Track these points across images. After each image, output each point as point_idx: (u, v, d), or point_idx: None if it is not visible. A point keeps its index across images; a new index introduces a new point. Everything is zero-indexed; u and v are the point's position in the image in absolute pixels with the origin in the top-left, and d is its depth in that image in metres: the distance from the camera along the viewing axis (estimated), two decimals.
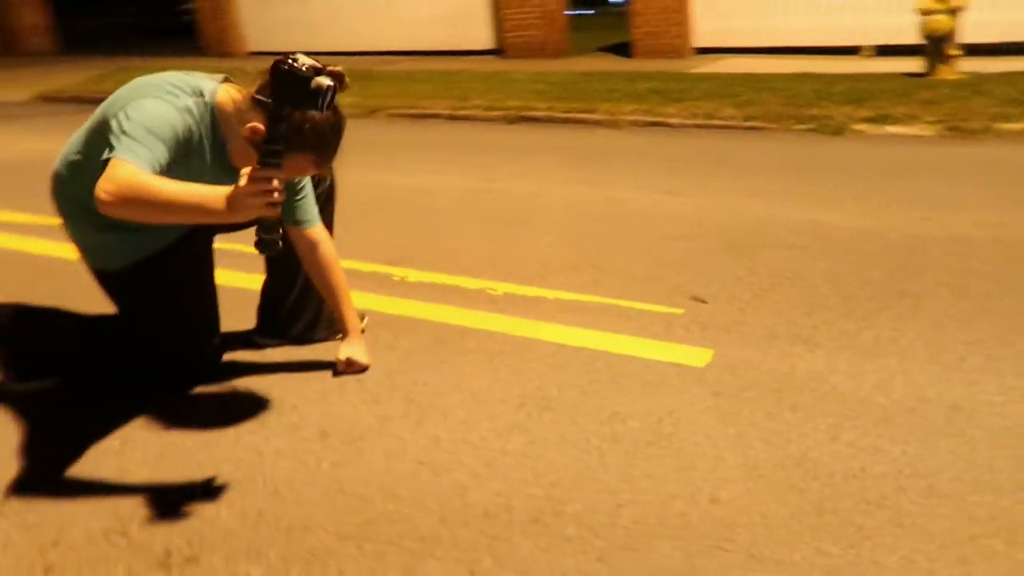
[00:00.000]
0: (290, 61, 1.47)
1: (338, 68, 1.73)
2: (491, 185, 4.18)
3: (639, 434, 1.76)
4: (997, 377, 1.92)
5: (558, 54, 10.09)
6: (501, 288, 2.65)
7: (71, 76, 10.08)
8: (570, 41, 10.48)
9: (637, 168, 4.46)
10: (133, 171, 1.53)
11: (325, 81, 1.50)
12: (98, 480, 1.65)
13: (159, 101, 1.67)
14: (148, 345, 1.99)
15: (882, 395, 1.87)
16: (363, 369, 2.08)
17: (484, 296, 2.59)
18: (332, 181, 2.23)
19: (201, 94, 1.75)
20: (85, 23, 16.69)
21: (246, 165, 1.77)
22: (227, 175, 1.82)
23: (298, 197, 2.01)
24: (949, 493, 1.50)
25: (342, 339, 2.11)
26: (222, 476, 1.64)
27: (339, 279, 2.09)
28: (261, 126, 1.66)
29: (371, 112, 6.97)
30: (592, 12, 17.42)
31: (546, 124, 6.15)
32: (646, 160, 4.68)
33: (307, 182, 2.02)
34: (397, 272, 2.83)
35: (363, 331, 2.31)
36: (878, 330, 2.21)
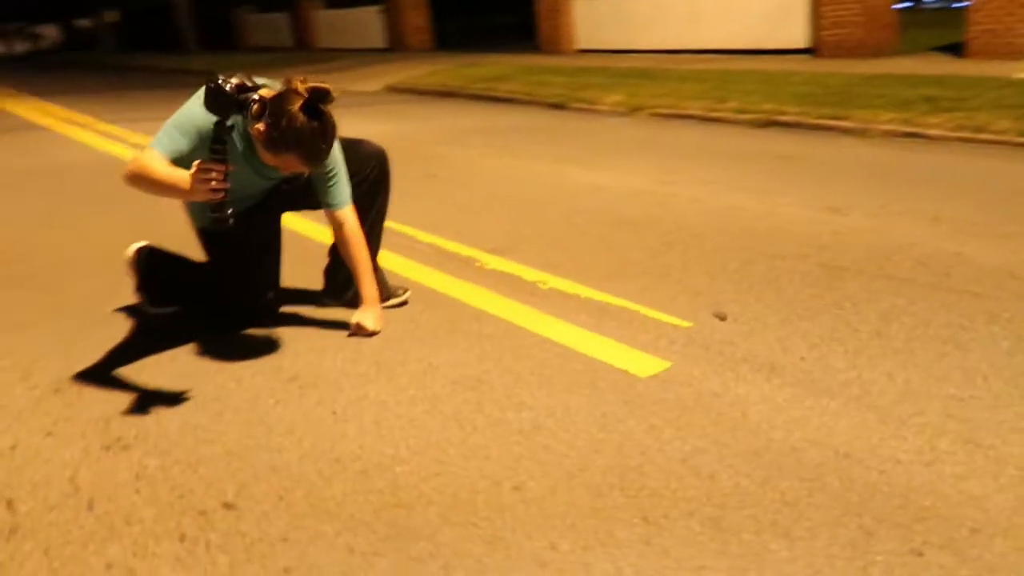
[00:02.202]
0: (218, 81, 1.88)
1: (324, 85, 2.12)
2: (662, 188, 4.24)
3: (518, 423, 1.90)
4: None
5: (878, 53, 9.31)
6: (553, 283, 2.83)
7: (416, 70, 11.68)
8: (895, 39, 9.58)
9: (843, 183, 4.17)
10: (147, 156, 2.07)
11: (251, 91, 1.89)
12: (141, 376, 2.23)
13: (196, 101, 2.19)
14: (218, 290, 2.57)
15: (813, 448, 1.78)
16: (371, 334, 2.44)
17: (531, 288, 2.79)
18: (381, 170, 2.61)
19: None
20: (459, 23, 18.90)
21: (265, 159, 2.25)
22: (258, 166, 2.31)
23: (329, 183, 2.42)
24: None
25: (360, 306, 2.50)
26: (197, 391, 2.13)
27: (360, 254, 2.47)
28: (262, 127, 2.11)
29: (632, 111, 7.21)
30: (910, 4, 15.42)
31: (793, 130, 5.89)
32: (869, 174, 4.35)
33: (338, 171, 2.43)
34: (484, 259, 3.14)
35: (404, 303, 2.68)
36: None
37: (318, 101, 2.11)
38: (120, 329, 2.61)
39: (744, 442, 1.76)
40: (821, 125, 5.82)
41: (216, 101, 1.91)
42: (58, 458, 1.86)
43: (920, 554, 1.38)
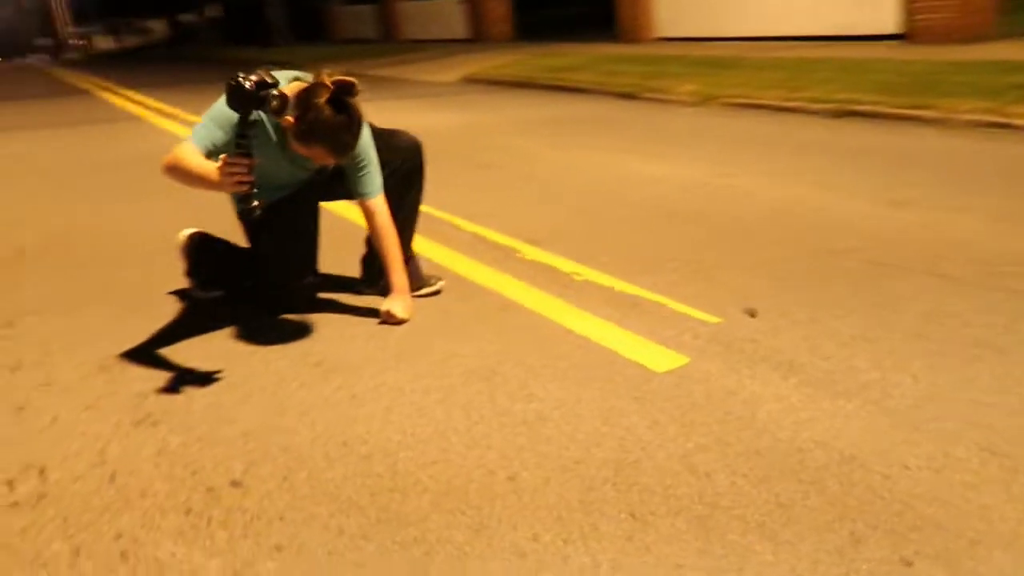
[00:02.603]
0: (238, 78, 1.95)
1: (350, 79, 2.17)
2: (719, 180, 4.15)
3: (524, 414, 1.91)
4: None
5: (973, 38, 8.82)
6: (588, 275, 2.82)
7: (493, 60, 11.74)
8: (992, 24, 9.06)
9: (910, 176, 4.01)
10: (182, 148, 2.17)
11: (270, 87, 1.95)
12: (179, 357, 2.34)
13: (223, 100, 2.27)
14: (257, 275, 2.66)
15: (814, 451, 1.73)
16: (400, 322, 2.49)
17: (566, 280, 2.79)
18: (414, 161, 2.65)
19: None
20: (541, 13, 18.87)
21: (297, 150, 2.32)
22: (291, 156, 2.38)
23: (359, 173, 2.48)
24: None
25: (389, 294, 2.55)
26: (228, 372, 2.22)
27: (390, 243, 2.52)
28: (292, 119, 2.18)
29: (705, 100, 7.08)
30: None
31: (871, 120, 5.67)
32: (941, 167, 4.16)
33: (368, 161, 2.48)
34: (524, 249, 3.15)
35: (437, 292, 2.72)
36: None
37: (344, 94, 2.16)
38: (168, 311, 2.74)
39: (748, 441, 1.72)
40: (899, 115, 5.57)
41: (236, 98, 1.98)
42: (92, 431, 1.97)
43: (909, 564, 1.33)
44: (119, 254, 3.49)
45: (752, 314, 2.39)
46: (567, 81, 9.09)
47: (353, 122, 2.20)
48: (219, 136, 2.22)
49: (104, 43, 38.33)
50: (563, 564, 1.39)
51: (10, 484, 1.76)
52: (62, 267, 3.36)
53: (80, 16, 39.79)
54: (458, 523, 1.52)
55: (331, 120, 2.15)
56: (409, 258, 2.70)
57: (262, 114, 2.27)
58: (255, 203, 2.05)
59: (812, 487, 1.55)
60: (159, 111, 8.99)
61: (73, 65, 23.49)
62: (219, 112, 2.23)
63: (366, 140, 2.46)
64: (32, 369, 2.36)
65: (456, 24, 18.46)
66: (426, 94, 9.61)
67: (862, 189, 3.73)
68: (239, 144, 2.02)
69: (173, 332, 2.56)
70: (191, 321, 2.64)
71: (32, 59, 32.64)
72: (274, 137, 2.35)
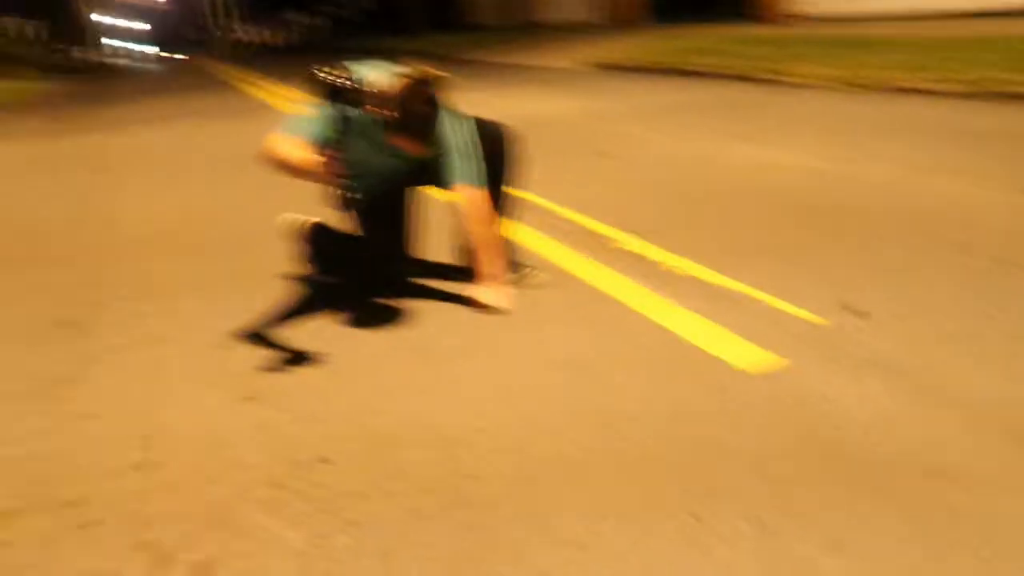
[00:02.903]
0: (317, 73, 2.02)
1: (435, 71, 2.23)
2: (838, 167, 3.97)
3: (602, 407, 1.91)
4: None
5: None
6: (687, 268, 2.77)
7: (621, 44, 11.61)
8: None
9: None
10: (278, 138, 2.28)
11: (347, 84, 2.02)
12: (288, 337, 2.48)
13: None
14: (362, 260, 2.78)
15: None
16: (490, 309, 2.54)
17: (663, 272, 2.76)
18: (499, 150, 2.67)
19: (359, 83, 2.39)
20: None
21: (389, 140, 2.39)
22: (385, 146, 2.46)
23: (451, 163, 2.53)
24: None
25: (480, 282, 2.60)
26: (330, 354, 2.34)
27: (479, 231, 2.57)
28: (381, 110, 2.26)
29: (836, 83, 6.78)
30: None
31: (1016, 103, 5.24)
32: None
33: (457, 151, 2.52)
34: (624, 240, 3.13)
35: (531, 280, 2.75)
36: None
37: (428, 86, 2.22)
38: (279, 293, 2.90)
39: (830, 449, 1.66)
40: None
41: (328, 93, 2.07)
42: (202, 405, 2.13)
43: None
44: (245, 238, 3.72)
45: (858, 313, 2.28)
46: (694, 65, 8.88)
47: (437, 112, 2.26)
48: (317, 128, 2.32)
49: (261, 37, 40.60)
50: (620, 560, 1.40)
51: (131, 450, 1.94)
52: (193, 250, 3.62)
53: (241, 12, 42.26)
54: (523, 512, 1.56)
55: (416, 111, 2.22)
56: (503, 246, 2.74)
57: (365, 108, 2.36)
58: (354, 194, 2.13)
59: (891, 502, 1.49)
60: (301, 101, 9.46)
61: (235, 59, 25.06)
62: (320, 105, 2.34)
63: (454, 129, 2.50)
64: (161, 344, 2.57)
65: (587, 8, 18.35)
66: (552, 80, 9.64)
67: (996, 178, 3.48)
68: (329, 136, 2.11)
69: (284, 314, 2.71)
70: (301, 304, 2.79)
71: (203, 54, 34.99)
72: (369, 128, 2.43)
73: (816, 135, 4.90)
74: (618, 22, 16.93)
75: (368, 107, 2.24)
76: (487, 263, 2.59)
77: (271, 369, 2.30)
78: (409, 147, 2.36)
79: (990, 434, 1.66)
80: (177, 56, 35.86)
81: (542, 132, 5.89)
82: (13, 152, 7.72)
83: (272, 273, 3.08)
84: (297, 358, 2.35)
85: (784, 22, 12.58)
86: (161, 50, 40.15)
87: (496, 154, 2.69)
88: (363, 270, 2.83)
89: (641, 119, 6.14)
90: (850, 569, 1.33)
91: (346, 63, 2.18)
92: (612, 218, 3.41)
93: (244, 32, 40.60)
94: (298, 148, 2.29)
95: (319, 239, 2.92)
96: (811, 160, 4.20)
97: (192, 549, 1.54)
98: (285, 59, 20.27)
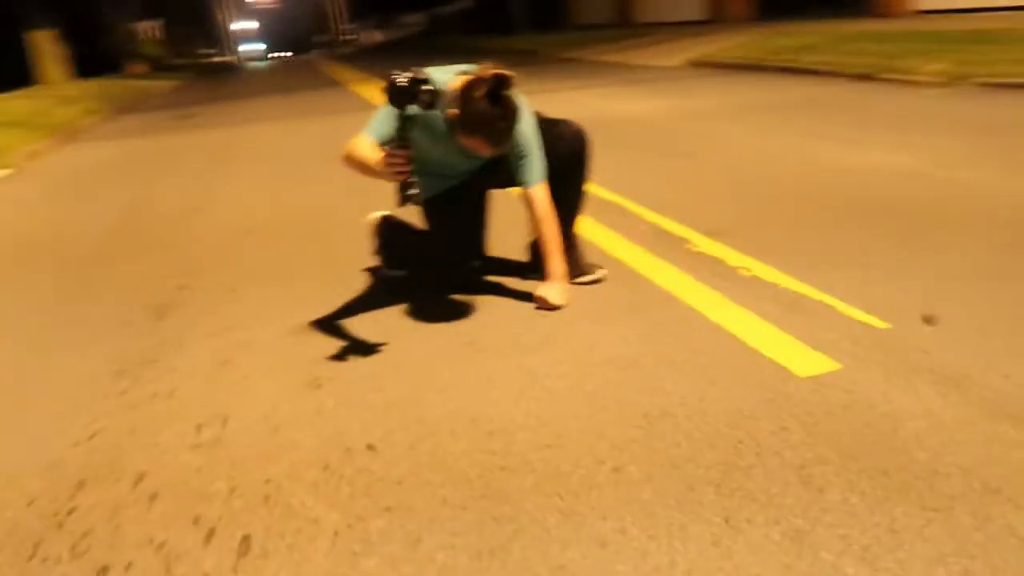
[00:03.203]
0: (392, 76, 2.08)
1: (506, 72, 2.25)
2: (935, 171, 3.78)
3: (647, 407, 1.90)
4: None
5: None
6: (756, 269, 2.70)
7: (725, 42, 11.36)
8: None
9: None
10: (357, 139, 2.36)
11: (422, 84, 2.07)
12: (353, 328, 2.56)
13: None
14: (432, 256, 2.85)
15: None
16: (554, 308, 2.56)
17: (731, 274, 2.70)
18: (573, 151, 2.68)
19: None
20: None
21: (461, 141, 2.44)
22: (459, 147, 2.51)
23: (520, 162, 2.55)
24: None
25: (545, 280, 2.62)
26: (389, 345, 2.40)
27: (548, 231, 2.59)
28: (454, 112, 2.32)
29: (954, 80, 6.43)
30: None
31: None
32: None
33: (529, 151, 2.54)
34: (697, 241, 3.08)
35: (599, 280, 2.76)
36: None
37: (500, 87, 2.25)
38: (357, 286, 3.00)
39: (876, 458, 1.60)
40: None
41: (391, 94, 2.12)
42: (270, 390, 2.24)
43: None
44: (331, 232, 3.87)
45: (930, 322, 2.18)
46: (798, 63, 8.60)
47: (508, 114, 2.29)
48: (387, 129, 2.39)
49: (371, 37, 41.86)
50: (640, 559, 1.39)
51: (198, 429, 2.05)
52: (282, 242, 3.79)
53: (353, 13, 43.66)
54: (552, 506, 1.57)
55: (486, 112, 2.25)
56: (571, 245, 2.76)
57: (429, 108, 2.42)
58: (413, 191, 2.19)
59: (937, 515, 1.42)
60: None
61: (341, 58, 25.95)
62: (388, 107, 2.40)
63: (527, 130, 2.53)
64: (241, 330, 2.71)
65: (693, 5, 18.04)
66: (648, 79, 9.53)
67: None
68: (399, 137, 2.18)
69: (354, 305, 2.81)
70: (371, 297, 2.88)
71: (312, 54, 36.42)
72: (442, 129, 2.49)
73: (922, 136, 4.67)
74: (727, 20, 16.55)
75: (438, 108, 2.29)
76: (553, 261, 2.61)
77: (333, 358, 2.39)
78: (476, 147, 2.40)
79: None
80: (293, 56, 37.37)
81: (628, 131, 5.85)
82: (143, 145, 8.26)
83: (356, 266, 3.18)
84: (359, 348, 2.43)
85: (904, 16, 11.99)
86: (279, 50, 41.98)
87: (568, 153, 2.70)
88: (434, 266, 2.89)
89: (736, 119, 6.00)
90: None
91: (420, 67, 2.22)
92: (688, 218, 3.36)
93: (355, 32, 41.91)
94: (368, 148, 2.37)
95: (395, 235, 3.00)
96: (911, 163, 4.01)
97: (239, 524, 1.63)
98: (392, 57, 20.83)
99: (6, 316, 3.15)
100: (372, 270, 3.12)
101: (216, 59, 39.90)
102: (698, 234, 3.15)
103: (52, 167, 7.37)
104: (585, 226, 3.36)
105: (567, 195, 2.73)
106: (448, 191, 2.76)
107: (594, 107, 7.21)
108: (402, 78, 2.11)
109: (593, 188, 4.02)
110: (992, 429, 1.66)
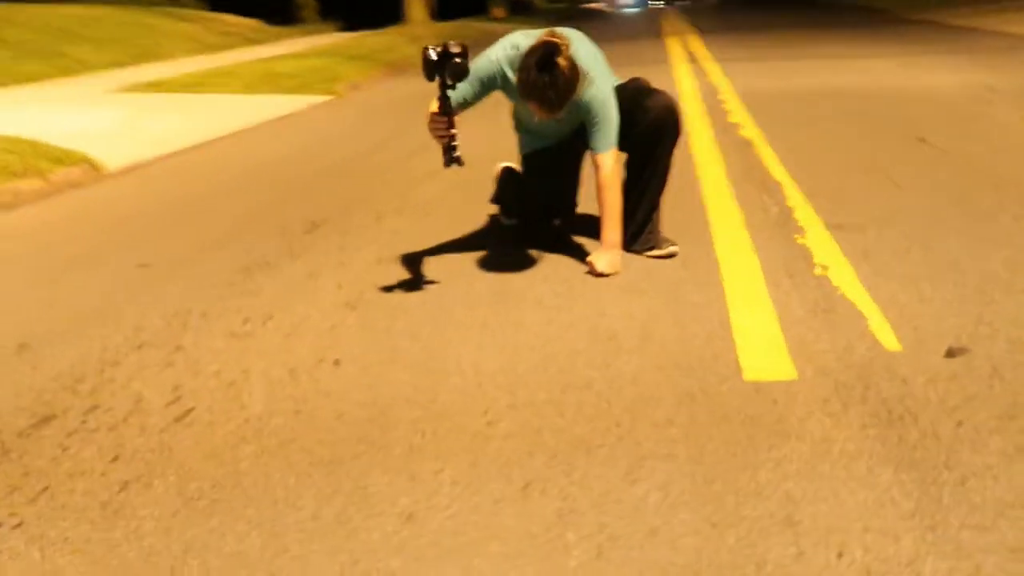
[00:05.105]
0: (426, 49, 2.15)
1: (557, 40, 2.30)
2: None
3: (600, 382, 1.93)
4: None
5: None
6: (837, 269, 2.47)
7: None
8: None
9: None
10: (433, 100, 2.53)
11: (453, 57, 2.15)
12: (433, 267, 2.77)
13: (484, 53, 2.56)
14: (525, 209, 2.99)
15: None
16: (601, 275, 2.57)
17: (804, 272, 2.50)
18: (659, 123, 2.63)
19: (516, 47, 2.53)
20: None
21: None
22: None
23: (593, 129, 2.57)
24: None
25: (602, 246, 2.64)
26: (443, 285, 2.58)
27: (609, 199, 2.59)
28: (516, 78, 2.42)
29: None
30: None
31: None
32: None
33: (601, 118, 2.53)
34: (810, 229, 2.86)
35: (670, 256, 2.71)
36: None
37: (551, 55, 2.31)
38: (467, 228, 3.21)
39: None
40: None
41: (424, 65, 2.17)
42: (318, 320, 2.53)
43: None
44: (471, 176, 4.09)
45: (952, 354, 1.88)
46: None
47: (557, 80, 2.32)
48: (469, 91, 2.50)
49: None
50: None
51: (254, 356, 2.47)
52: (426, 181, 4.09)
53: None
54: (456, 454, 1.72)
55: (536, 81, 2.32)
56: (648, 219, 2.74)
57: (504, 66, 2.52)
58: (455, 155, 2.30)
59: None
60: (691, 58, 9.53)
61: (684, 10, 25.66)
62: (475, 67, 2.45)
63: (600, 96, 2.54)
64: (327, 260, 3.00)
65: None
66: (982, 47, 8.25)
67: None
68: (442, 100, 2.26)
69: (446, 247, 3.00)
70: (470, 239, 3.09)
71: (676, 5, 36.00)
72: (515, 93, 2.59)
73: None
74: None
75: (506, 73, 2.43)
76: (608, 229, 2.63)
77: (386, 290, 2.59)
78: (535, 111, 2.48)
79: None
80: (665, 5, 37.48)
81: (886, 108, 5.26)
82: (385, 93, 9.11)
83: (483, 210, 3.37)
84: (413, 283, 2.63)
85: None
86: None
87: (653, 127, 2.66)
88: (528, 217, 3.03)
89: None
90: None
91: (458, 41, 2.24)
92: (831, 207, 3.09)
93: None
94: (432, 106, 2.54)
95: (509, 185, 3.17)
96: None
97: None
98: (740, 9, 20.02)
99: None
100: (492, 215, 3.32)
101: (588, 5, 41.30)
102: (819, 226, 2.90)
103: (366, 97, 8.44)
104: (718, 197, 3.28)
105: (648, 168, 2.71)
106: (544, 149, 2.87)
107: (879, 78, 6.49)
108: (432, 51, 2.18)
109: (770, 161, 3.82)
110: None
